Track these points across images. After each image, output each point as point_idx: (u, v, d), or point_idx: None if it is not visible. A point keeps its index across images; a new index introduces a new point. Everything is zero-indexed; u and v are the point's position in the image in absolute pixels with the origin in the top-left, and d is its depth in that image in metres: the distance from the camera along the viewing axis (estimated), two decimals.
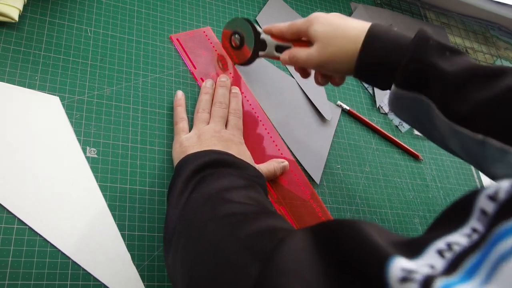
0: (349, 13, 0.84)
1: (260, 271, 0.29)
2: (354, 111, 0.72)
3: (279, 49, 0.58)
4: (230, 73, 0.62)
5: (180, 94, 0.58)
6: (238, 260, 0.32)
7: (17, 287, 0.41)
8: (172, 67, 0.60)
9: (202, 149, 0.50)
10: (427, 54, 0.46)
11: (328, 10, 0.82)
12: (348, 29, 0.51)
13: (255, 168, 0.50)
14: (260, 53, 0.59)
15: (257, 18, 0.72)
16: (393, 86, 0.49)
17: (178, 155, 0.51)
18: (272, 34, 0.58)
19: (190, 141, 0.52)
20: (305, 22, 0.54)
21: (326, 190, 0.62)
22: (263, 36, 0.58)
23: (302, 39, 0.56)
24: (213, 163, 0.46)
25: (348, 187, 0.65)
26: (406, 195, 0.69)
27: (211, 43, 0.64)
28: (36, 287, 0.41)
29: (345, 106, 0.71)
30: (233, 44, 0.61)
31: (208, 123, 0.55)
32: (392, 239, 0.26)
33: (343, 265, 0.25)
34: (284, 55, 0.57)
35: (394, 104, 0.51)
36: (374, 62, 0.49)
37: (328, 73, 0.57)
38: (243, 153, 0.53)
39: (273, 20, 0.74)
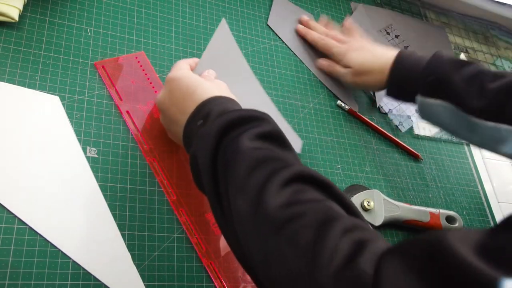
0: (349, 13, 0.84)
1: None
2: (354, 111, 0.72)
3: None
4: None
5: None
6: None
7: (17, 287, 0.41)
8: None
9: (184, 106, 0.48)
10: (442, 68, 0.60)
11: (329, 10, 0.82)
12: (377, 58, 0.66)
13: (252, 110, 0.45)
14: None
15: (269, 23, 0.72)
16: (418, 96, 0.61)
17: (170, 127, 0.51)
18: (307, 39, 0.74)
19: (164, 103, 0.50)
20: (341, 49, 0.70)
21: None
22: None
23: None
24: (220, 135, 0.42)
25: None
26: (406, 195, 0.69)
27: (143, 70, 0.58)
28: (36, 287, 0.41)
29: (345, 106, 0.71)
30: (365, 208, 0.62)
31: None
32: (477, 243, 0.27)
33: None
34: (324, 63, 0.72)
35: (422, 111, 0.63)
36: (401, 80, 0.64)
37: (359, 88, 0.74)
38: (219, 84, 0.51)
39: (285, 21, 0.74)
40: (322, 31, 0.74)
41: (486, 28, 1.07)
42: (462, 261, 0.25)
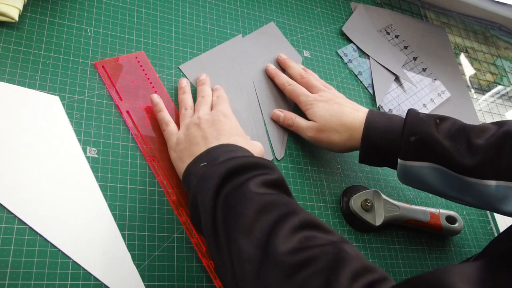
0: (349, 13, 0.84)
1: None
2: None
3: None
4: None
5: (157, 98, 0.54)
6: None
7: (17, 287, 0.41)
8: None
9: (193, 150, 0.48)
10: (422, 126, 0.53)
11: (328, 10, 0.82)
12: (345, 115, 0.57)
13: (260, 158, 0.46)
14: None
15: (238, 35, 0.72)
16: (399, 160, 0.54)
17: (177, 163, 0.50)
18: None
19: (181, 144, 0.50)
20: (308, 98, 0.60)
21: (326, 190, 0.62)
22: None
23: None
24: (226, 176, 0.42)
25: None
26: (406, 194, 0.69)
27: (143, 70, 0.58)
28: (36, 287, 0.41)
29: None
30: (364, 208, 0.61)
31: None
32: (477, 281, 0.28)
33: None
34: (280, 116, 0.62)
35: (405, 176, 0.56)
36: (376, 144, 0.55)
37: (319, 146, 0.62)
38: (235, 128, 0.51)
39: (263, 43, 0.71)
40: (297, 73, 0.64)
41: (486, 28, 1.07)
42: None
